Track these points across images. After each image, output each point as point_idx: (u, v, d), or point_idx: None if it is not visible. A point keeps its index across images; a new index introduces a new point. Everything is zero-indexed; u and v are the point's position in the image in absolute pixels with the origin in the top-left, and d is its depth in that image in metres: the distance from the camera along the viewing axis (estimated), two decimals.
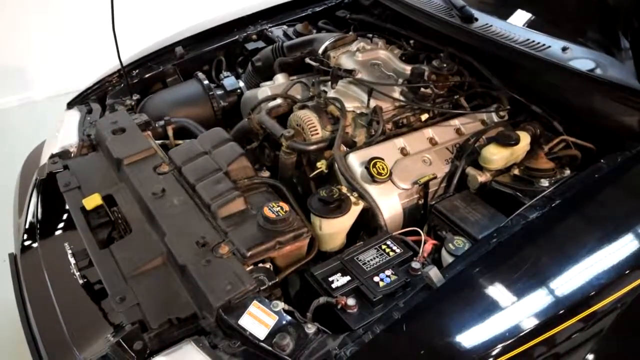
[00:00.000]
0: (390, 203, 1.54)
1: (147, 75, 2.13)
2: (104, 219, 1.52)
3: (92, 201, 1.50)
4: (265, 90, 1.94)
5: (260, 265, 1.30)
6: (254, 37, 2.30)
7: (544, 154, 1.49)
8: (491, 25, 1.96)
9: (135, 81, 2.11)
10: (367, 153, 1.60)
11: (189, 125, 1.93)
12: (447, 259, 1.31)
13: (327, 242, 1.48)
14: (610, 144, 1.58)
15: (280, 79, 1.99)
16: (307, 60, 1.97)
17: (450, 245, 1.32)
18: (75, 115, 1.99)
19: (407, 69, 1.90)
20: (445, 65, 1.82)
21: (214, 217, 1.40)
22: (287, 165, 1.69)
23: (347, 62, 1.90)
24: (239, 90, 2.13)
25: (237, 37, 2.27)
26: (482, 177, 1.57)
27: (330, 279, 1.25)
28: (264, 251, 1.31)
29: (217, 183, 1.47)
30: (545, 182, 1.42)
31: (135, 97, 2.06)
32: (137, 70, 2.14)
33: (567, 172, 1.47)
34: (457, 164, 1.64)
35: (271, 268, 1.31)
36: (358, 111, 1.75)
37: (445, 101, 1.80)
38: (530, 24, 1.94)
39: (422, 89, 1.77)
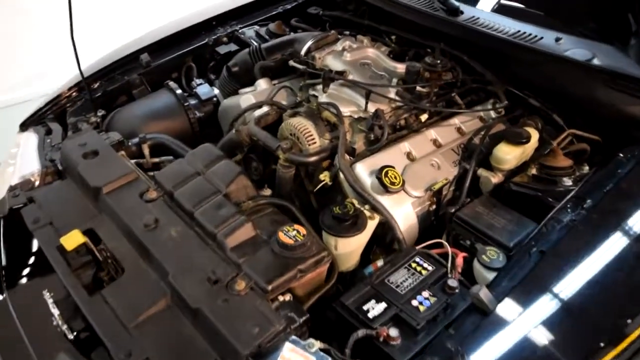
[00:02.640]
0: (405, 213, 1.44)
1: (111, 88, 1.91)
2: (86, 258, 1.33)
3: (73, 239, 1.30)
4: (248, 97, 1.79)
5: (281, 298, 1.16)
6: (225, 39, 2.13)
7: (561, 151, 1.43)
8: (478, 18, 1.90)
9: (98, 95, 1.89)
10: (375, 161, 1.49)
11: (167, 142, 1.74)
12: (482, 272, 1.23)
13: (342, 262, 1.36)
14: (614, 135, 1.56)
15: (262, 84, 1.83)
16: (292, 62, 1.82)
17: (484, 257, 1.23)
18: (32, 137, 1.75)
19: (399, 67, 1.80)
20: (439, 61, 1.74)
21: (221, 248, 1.24)
22: (285, 180, 1.56)
23: (335, 63, 1.78)
24: (215, 99, 1.96)
25: (206, 40, 2.09)
26: (495, 179, 1.50)
27: (365, 307, 1.14)
28: (286, 282, 1.17)
29: (218, 208, 1.31)
30: (568, 181, 1.37)
31: (100, 113, 1.84)
32: (99, 83, 1.92)
33: (586, 168, 1.43)
34: (465, 165, 1.57)
35: (292, 300, 1.18)
36: (355, 116, 1.63)
37: (442, 99, 1.72)
38: (515, 14, 1.90)
39: (419, 88, 1.68)
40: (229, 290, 1.14)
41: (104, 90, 1.91)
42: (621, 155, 1.36)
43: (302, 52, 1.87)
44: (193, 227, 1.31)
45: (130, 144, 1.69)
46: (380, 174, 1.40)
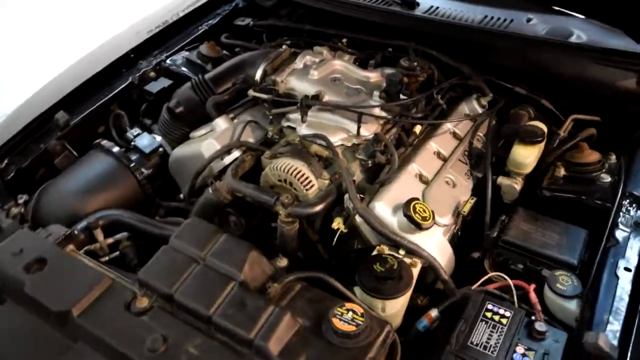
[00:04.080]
0: (440, 247, 1.27)
1: (25, 163, 1.50)
2: None
3: None
4: (210, 143, 1.48)
5: None
6: (152, 74, 1.77)
7: (586, 145, 1.33)
8: (437, 7, 1.76)
9: (11, 175, 1.48)
10: (393, 195, 1.29)
11: (123, 218, 1.40)
12: (560, 302, 1.09)
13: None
14: (609, 114, 1.51)
15: (221, 123, 1.53)
16: (253, 93, 1.55)
17: (559, 285, 1.09)
18: None
19: (372, 76, 1.60)
20: (416, 64, 1.57)
21: (264, 357, 0.98)
22: (290, 237, 1.30)
23: (302, 85, 1.54)
24: (160, 149, 1.62)
25: (129, 79, 1.72)
26: (518, 185, 1.37)
27: None
28: None
29: (241, 303, 1.04)
30: (606, 177, 1.27)
31: (22, 199, 1.44)
32: (7, 160, 1.50)
33: (613, 157, 1.34)
34: (477, 175, 1.43)
35: None
36: (348, 144, 1.42)
37: (430, 105, 1.56)
38: None
39: (402, 98, 1.51)
40: None
41: (17, 168, 1.49)
42: None
43: (257, 77, 1.59)
44: (214, 335, 1.02)
45: (76, 232, 1.33)
46: (408, 210, 1.21)
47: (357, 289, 1.16)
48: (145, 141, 1.61)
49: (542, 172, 1.38)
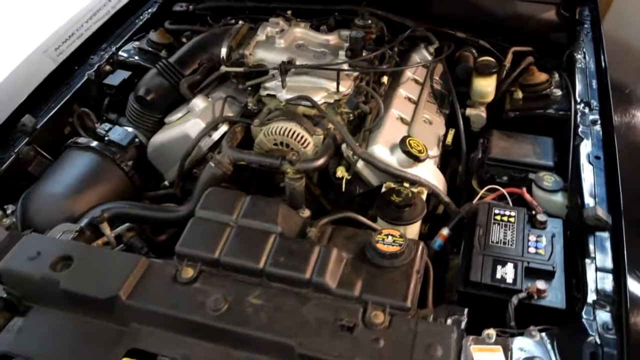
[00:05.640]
0: (436, 176, 1.41)
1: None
2: None
3: None
4: (196, 123, 1.50)
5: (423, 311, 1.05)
6: (107, 67, 1.73)
7: (535, 68, 1.54)
8: None
9: None
10: (385, 138, 1.41)
11: (126, 209, 1.38)
12: (548, 197, 1.28)
13: None
14: (538, 42, 1.74)
15: (199, 103, 1.55)
16: (226, 68, 1.58)
17: (545, 183, 1.28)
18: None
19: (330, 38, 1.70)
20: (370, 21, 1.69)
21: (323, 291, 1.05)
22: (300, 192, 1.36)
23: (271, 55, 1.59)
24: (136, 140, 1.60)
25: (86, 76, 1.66)
26: (484, 113, 1.56)
27: (498, 276, 1.10)
28: (415, 290, 1.06)
29: (288, 252, 1.10)
30: (558, 91, 1.48)
31: (9, 209, 1.36)
32: None
33: (556, 75, 1.56)
34: (445, 112, 1.60)
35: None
36: (331, 100, 1.51)
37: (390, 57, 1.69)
38: None
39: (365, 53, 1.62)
40: (372, 329, 0.98)
41: None
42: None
43: (223, 54, 1.63)
44: (269, 285, 1.08)
45: (82, 228, 1.30)
46: (405, 147, 1.33)
47: (378, 222, 1.27)
48: (119, 134, 1.57)
49: (499, 99, 1.57)
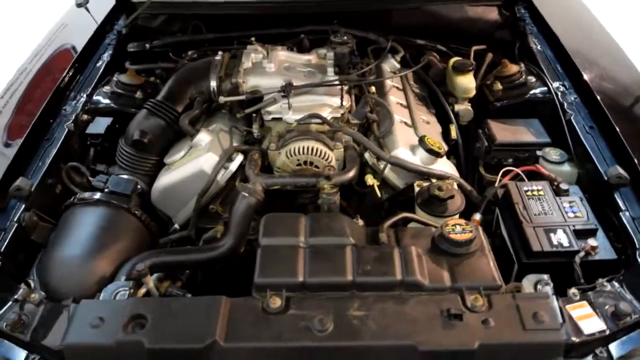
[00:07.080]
0: (453, 168, 1.51)
1: (3, 245, 1.24)
2: None
3: None
4: (210, 157, 1.45)
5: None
6: (85, 117, 1.59)
7: (507, 61, 1.71)
8: None
9: None
10: (401, 141, 1.48)
11: (160, 258, 1.28)
12: (557, 169, 1.43)
13: None
14: (486, 40, 1.94)
15: (205, 137, 1.50)
16: (224, 99, 1.55)
17: (554, 156, 1.44)
18: None
19: (311, 58, 1.75)
20: (345, 37, 1.76)
21: (419, 288, 1.08)
22: (337, 206, 1.38)
23: (264, 80, 1.59)
24: (138, 187, 1.50)
25: (65, 130, 1.52)
26: (469, 107, 1.70)
27: (554, 242, 1.20)
28: (497, 268, 1.13)
29: (371, 258, 1.12)
30: (532, 78, 1.67)
31: (32, 282, 1.20)
32: None
33: (522, 64, 1.75)
34: (432, 111, 1.72)
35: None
36: (337, 114, 1.55)
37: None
38: None
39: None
40: (476, 311, 1.03)
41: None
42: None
43: (213, 85, 1.59)
44: (361, 295, 1.08)
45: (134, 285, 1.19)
46: (426, 145, 1.42)
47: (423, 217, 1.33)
48: (119, 183, 1.45)
49: (478, 94, 1.72)
